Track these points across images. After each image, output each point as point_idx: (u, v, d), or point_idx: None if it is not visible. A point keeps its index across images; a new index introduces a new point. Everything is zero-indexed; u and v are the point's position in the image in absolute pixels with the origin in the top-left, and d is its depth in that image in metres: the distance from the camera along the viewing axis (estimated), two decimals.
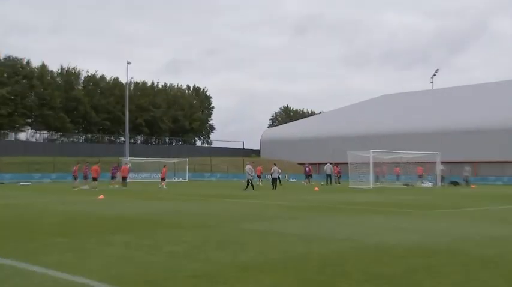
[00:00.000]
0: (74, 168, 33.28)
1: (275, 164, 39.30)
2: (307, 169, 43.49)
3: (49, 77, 72.61)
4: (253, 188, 30.11)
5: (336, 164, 47.69)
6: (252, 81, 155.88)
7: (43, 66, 72.01)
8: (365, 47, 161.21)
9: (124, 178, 34.67)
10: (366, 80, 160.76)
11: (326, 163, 45.80)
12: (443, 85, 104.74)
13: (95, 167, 32.29)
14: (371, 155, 38.22)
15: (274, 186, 34.79)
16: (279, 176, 39.94)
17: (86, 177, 33.66)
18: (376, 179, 45.46)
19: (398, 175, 48.18)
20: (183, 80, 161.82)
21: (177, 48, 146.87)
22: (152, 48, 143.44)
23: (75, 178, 32.70)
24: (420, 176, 44.67)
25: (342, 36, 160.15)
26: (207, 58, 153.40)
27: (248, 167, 30.94)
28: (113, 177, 38.15)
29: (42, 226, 11.82)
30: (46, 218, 13.33)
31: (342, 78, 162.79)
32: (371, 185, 36.66)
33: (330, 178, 42.96)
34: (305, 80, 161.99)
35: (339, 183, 43.49)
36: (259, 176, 44.66)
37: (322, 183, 42.28)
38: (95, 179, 31.77)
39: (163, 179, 36.30)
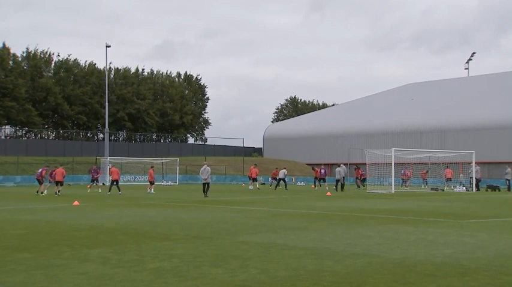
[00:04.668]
0: (42, 171, 33.23)
1: (284, 167, 44.29)
2: (322, 171, 43.55)
3: (12, 62, 72.36)
4: (205, 193, 28.98)
5: (358, 165, 47.77)
6: (254, 68, 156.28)
7: (4, 49, 71.70)
8: (393, 27, 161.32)
9: (116, 181, 34.57)
10: (393, 66, 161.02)
11: (340, 164, 45.82)
12: (486, 71, 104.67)
13: (61, 169, 32.50)
14: (393, 155, 38.18)
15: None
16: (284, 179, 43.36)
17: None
18: (402, 182, 45.64)
19: (425, 179, 48.21)
20: (174, 66, 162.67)
21: (168, 29, 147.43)
22: (137, 29, 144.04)
23: (39, 182, 32.70)
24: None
25: (366, 14, 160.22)
26: (203, 41, 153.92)
27: (205, 167, 29.92)
28: (93, 180, 38.21)
29: (3, 238, 11.77)
30: (9, 230, 13.29)
31: (363, 64, 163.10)
32: (393, 190, 36.62)
33: (343, 181, 43.04)
34: (318, 66, 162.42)
35: (364, 186, 43.60)
36: (274, 179, 47.14)
37: (334, 188, 42.27)
38: (60, 182, 31.94)
39: (151, 182, 36.21)
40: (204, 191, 29.26)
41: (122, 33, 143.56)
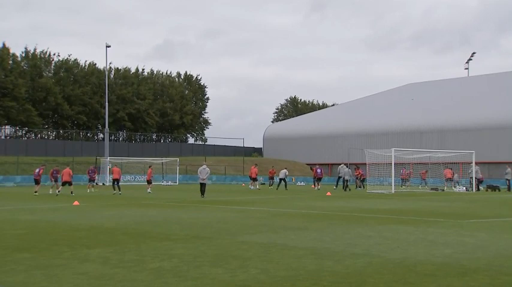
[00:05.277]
0: (39, 171, 33.22)
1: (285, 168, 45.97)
2: (319, 170, 43.60)
3: (11, 62, 72.29)
4: (203, 194, 28.35)
5: (357, 165, 47.81)
6: (254, 68, 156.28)
7: (4, 49, 71.52)
8: (393, 27, 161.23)
9: (116, 181, 34.51)
10: (393, 66, 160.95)
11: (340, 164, 45.85)
12: (486, 71, 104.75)
13: (67, 170, 32.59)
14: (393, 155, 38.18)
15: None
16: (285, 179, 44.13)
17: (56, 180, 33.80)
18: (403, 182, 45.70)
19: (424, 178, 48.16)
20: (174, 66, 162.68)
21: (168, 29, 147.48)
22: (138, 29, 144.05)
23: (37, 181, 32.69)
24: (450, 179, 44.73)
25: (367, 14, 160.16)
26: (203, 41, 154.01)
27: (205, 168, 29.24)
28: (91, 180, 38.19)
29: (3, 238, 11.77)
30: (8, 230, 13.29)
31: (363, 64, 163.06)
32: (393, 190, 36.62)
33: (344, 181, 43.04)
34: (318, 66, 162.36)
35: (363, 187, 43.65)
36: (271, 178, 47.63)
37: (334, 188, 42.30)
38: (68, 183, 31.99)
39: (149, 182, 36.31)
40: (201, 192, 28.70)
41: (122, 33, 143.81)
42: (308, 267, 8.34)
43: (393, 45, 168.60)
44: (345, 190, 39.41)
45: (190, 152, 78.14)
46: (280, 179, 44.03)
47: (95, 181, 38.76)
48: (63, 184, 31.80)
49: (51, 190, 32.49)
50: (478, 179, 42.59)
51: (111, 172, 38.38)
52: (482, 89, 75.60)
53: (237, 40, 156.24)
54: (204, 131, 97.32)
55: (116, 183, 34.28)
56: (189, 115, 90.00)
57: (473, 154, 42.27)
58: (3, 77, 68.43)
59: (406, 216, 17.71)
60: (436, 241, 11.48)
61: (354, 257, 9.30)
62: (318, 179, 43.46)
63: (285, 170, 45.12)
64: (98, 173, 46.51)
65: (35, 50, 75.81)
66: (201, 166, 29.53)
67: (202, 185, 28.82)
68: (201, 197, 28.22)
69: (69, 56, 79.58)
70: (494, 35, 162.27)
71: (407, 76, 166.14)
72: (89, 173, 38.99)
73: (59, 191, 31.22)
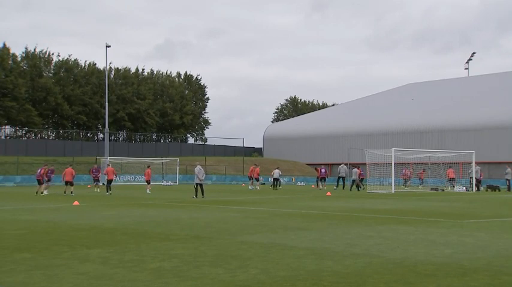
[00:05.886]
0: (40, 171, 33.24)
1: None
2: (323, 170, 43.77)
3: (11, 62, 72.21)
4: (203, 194, 27.82)
5: (357, 165, 47.83)
6: (254, 68, 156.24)
7: (4, 49, 71.43)
8: (394, 27, 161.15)
9: (109, 181, 34.56)
10: (393, 66, 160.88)
11: (340, 164, 45.88)
12: (486, 71, 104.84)
13: (70, 169, 32.68)
14: (393, 155, 38.18)
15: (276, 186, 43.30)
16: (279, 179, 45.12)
17: (49, 180, 33.83)
18: (404, 182, 45.73)
19: (422, 178, 48.05)
20: (175, 66, 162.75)
21: (169, 29, 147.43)
22: (139, 29, 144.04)
23: (39, 182, 32.71)
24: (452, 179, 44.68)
25: (367, 14, 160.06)
26: (204, 41, 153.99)
27: (200, 168, 28.64)
28: (95, 179, 38.18)
29: (3, 238, 11.77)
30: (8, 230, 13.28)
31: (363, 64, 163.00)
32: (393, 190, 36.61)
33: (344, 181, 43.10)
34: (318, 66, 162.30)
35: (363, 187, 43.62)
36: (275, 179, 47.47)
37: (335, 188, 42.35)
38: (69, 183, 32.07)
39: (148, 182, 36.32)
40: (196, 192, 28.04)
41: (123, 33, 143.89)
42: (308, 267, 8.33)
43: (393, 45, 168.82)
44: (358, 189, 40.11)
45: (190, 152, 78.15)
46: (275, 179, 44.44)
47: (99, 181, 38.74)
48: (66, 183, 31.95)
49: (45, 191, 32.27)
50: (477, 179, 42.55)
51: (105, 172, 38.16)
52: (482, 89, 75.58)
53: (237, 40, 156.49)
54: (204, 131, 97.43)
55: (109, 183, 34.17)
56: (189, 115, 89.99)
57: (473, 154, 42.27)
58: (3, 77, 68.32)
59: (406, 216, 17.70)
60: (436, 241, 11.47)
61: (354, 257, 9.30)
62: (322, 179, 43.67)
63: (277, 170, 45.45)
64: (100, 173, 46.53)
65: (34, 50, 75.89)
66: (196, 166, 28.87)
67: (201, 186, 28.53)
68: (194, 197, 27.87)
69: (69, 56, 79.70)
70: (495, 35, 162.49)
71: (407, 76, 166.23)
72: (93, 172, 39.00)
73: (71, 192, 31.17)
